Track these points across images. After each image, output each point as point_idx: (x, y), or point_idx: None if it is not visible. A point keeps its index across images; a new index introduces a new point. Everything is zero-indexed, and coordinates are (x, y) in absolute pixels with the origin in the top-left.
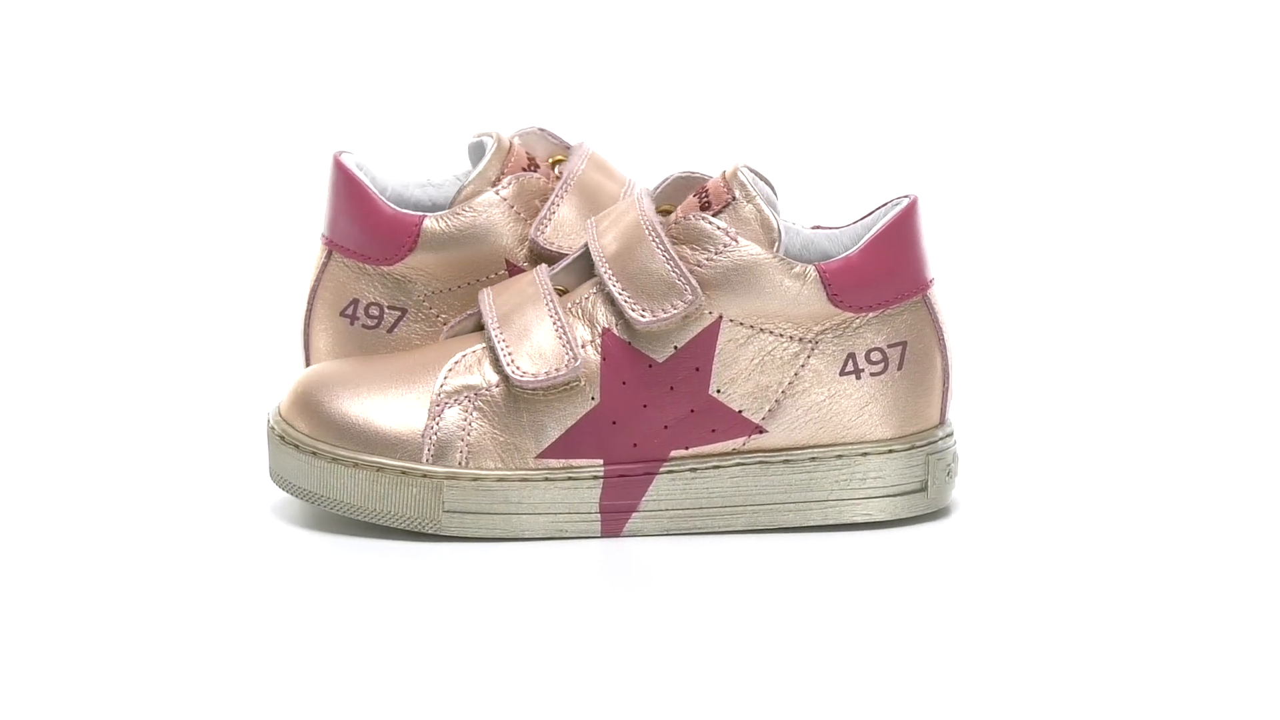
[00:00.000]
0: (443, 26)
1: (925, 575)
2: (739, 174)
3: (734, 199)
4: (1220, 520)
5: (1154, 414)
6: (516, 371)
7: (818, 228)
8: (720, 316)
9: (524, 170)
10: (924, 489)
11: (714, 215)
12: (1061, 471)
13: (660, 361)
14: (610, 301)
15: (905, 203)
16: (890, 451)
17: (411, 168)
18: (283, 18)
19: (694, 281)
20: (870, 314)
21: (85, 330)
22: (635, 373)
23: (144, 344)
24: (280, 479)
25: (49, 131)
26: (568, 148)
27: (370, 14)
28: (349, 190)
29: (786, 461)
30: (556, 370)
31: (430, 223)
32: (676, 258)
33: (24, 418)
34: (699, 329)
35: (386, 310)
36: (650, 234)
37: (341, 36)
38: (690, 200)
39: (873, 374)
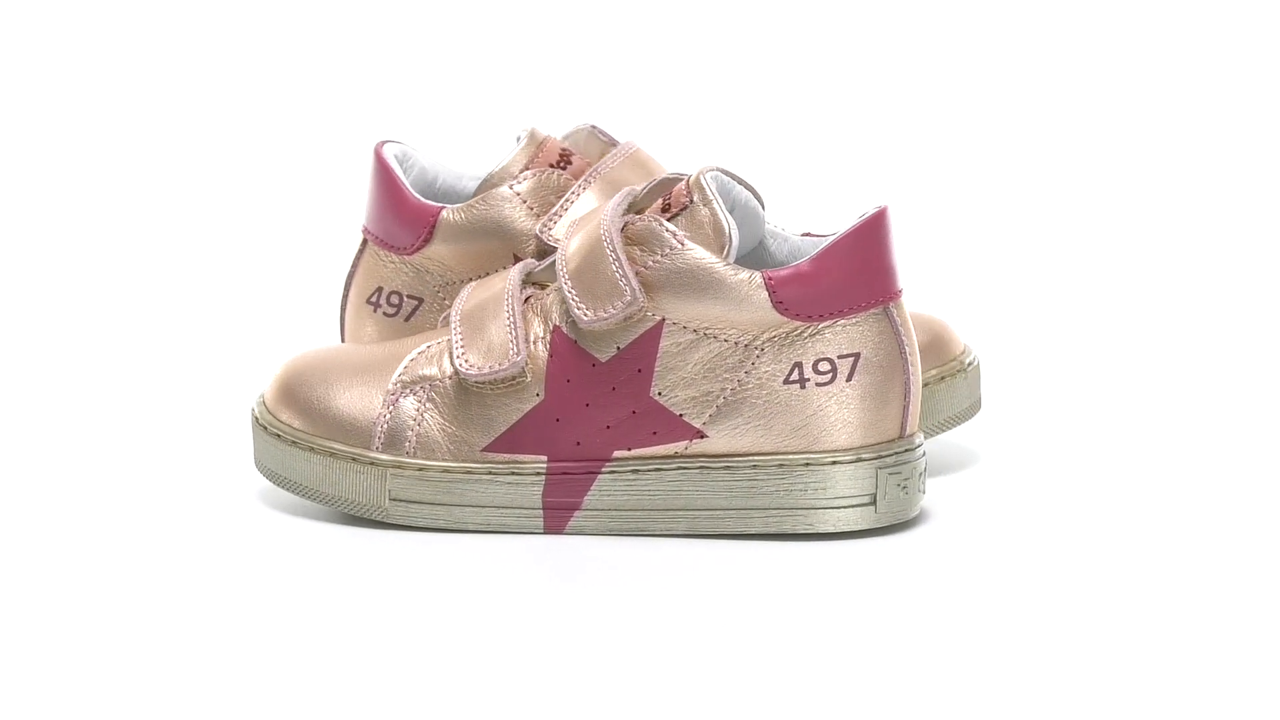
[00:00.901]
0: (528, 21)
1: (866, 585)
2: (702, 178)
3: (691, 202)
4: (1208, 528)
5: (1144, 422)
6: (464, 364)
7: (808, 234)
8: (663, 319)
9: (550, 166)
10: (873, 502)
11: (671, 218)
12: (1028, 483)
13: (603, 361)
14: (563, 300)
15: (869, 214)
16: (835, 463)
17: (478, 161)
18: (366, 13)
19: (635, 283)
20: (822, 324)
21: (121, 314)
22: (579, 371)
23: (189, 330)
24: (257, 462)
25: (74, 119)
26: (614, 145)
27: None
28: (380, 179)
29: (728, 468)
30: (500, 365)
31: (446, 214)
32: (623, 259)
33: (36, 418)
34: (641, 330)
35: (405, 299)
36: (604, 234)
37: (419, 29)
38: (657, 203)
39: (819, 384)
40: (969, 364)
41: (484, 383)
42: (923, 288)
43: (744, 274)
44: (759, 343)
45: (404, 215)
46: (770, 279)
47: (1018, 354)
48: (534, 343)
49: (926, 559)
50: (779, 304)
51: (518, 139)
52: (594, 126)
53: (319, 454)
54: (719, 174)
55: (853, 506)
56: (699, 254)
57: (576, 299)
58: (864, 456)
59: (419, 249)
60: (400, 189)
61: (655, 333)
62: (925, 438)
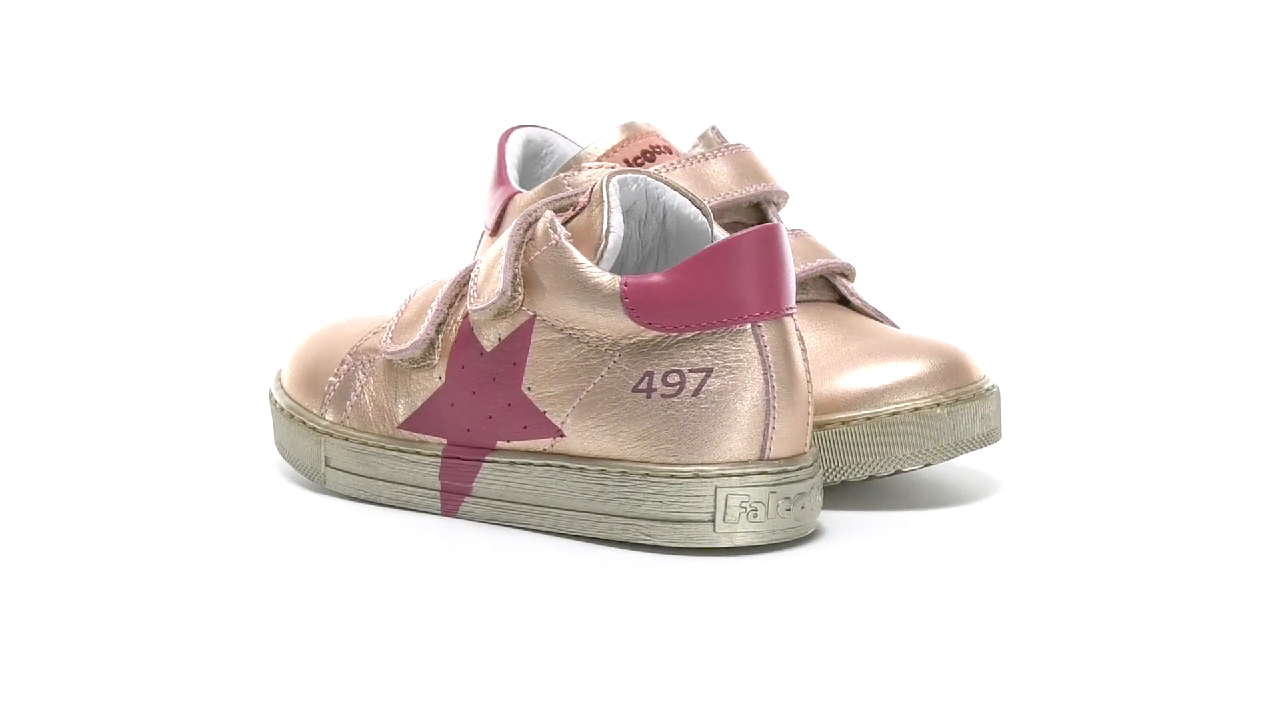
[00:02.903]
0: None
1: (708, 602)
2: (606, 181)
3: (588, 202)
4: (1228, 574)
5: (1167, 461)
6: (385, 342)
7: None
8: (535, 315)
9: (626, 161)
10: (711, 521)
11: (569, 220)
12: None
13: (488, 351)
14: None
15: (742, 232)
16: (673, 477)
17: None
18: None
19: (508, 276)
20: (682, 336)
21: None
22: (470, 359)
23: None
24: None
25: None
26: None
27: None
28: (496, 162)
29: (581, 470)
30: (403, 346)
31: (519, 197)
32: (509, 251)
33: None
34: (518, 324)
35: None
36: (516, 225)
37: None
38: (570, 200)
39: (664, 395)
40: (986, 390)
41: (399, 361)
42: (963, 319)
43: (606, 278)
44: (618, 348)
45: (492, 197)
46: (625, 285)
47: (1049, 387)
48: (453, 326)
49: (869, 580)
50: (631, 311)
51: (620, 128)
52: (713, 128)
53: (283, 414)
54: (641, 180)
55: (690, 523)
56: (569, 253)
57: (473, 287)
58: (704, 474)
59: (496, 230)
60: (500, 172)
61: (528, 328)
62: (935, 461)
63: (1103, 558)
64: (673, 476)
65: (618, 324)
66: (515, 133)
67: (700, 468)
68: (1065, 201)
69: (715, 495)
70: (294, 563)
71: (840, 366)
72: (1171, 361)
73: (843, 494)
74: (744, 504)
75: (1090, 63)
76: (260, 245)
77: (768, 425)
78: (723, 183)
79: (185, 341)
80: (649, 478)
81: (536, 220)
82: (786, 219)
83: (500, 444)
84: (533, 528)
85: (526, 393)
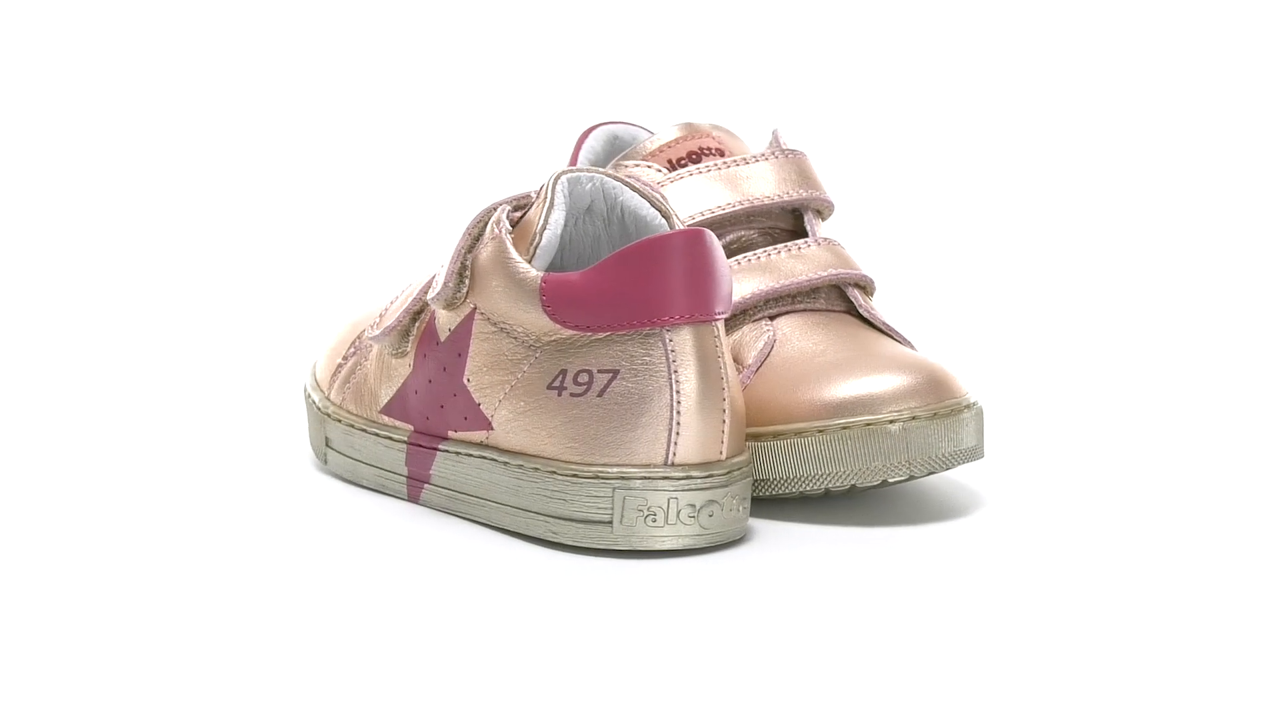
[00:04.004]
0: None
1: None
2: (555, 178)
3: (533, 200)
4: (1212, 600)
5: (1154, 485)
6: (369, 328)
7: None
8: (475, 308)
9: (670, 161)
10: (610, 523)
11: (522, 216)
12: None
13: (442, 341)
14: None
15: (664, 234)
16: (575, 476)
17: None
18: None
19: (453, 268)
20: (596, 335)
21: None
22: (430, 348)
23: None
24: None
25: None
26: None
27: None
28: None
29: (504, 464)
30: (380, 331)
31: None
32: (462, 244)
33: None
34: (462, 316)
35: None
36: (474, 218)
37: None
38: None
39: (573, 395)
40: (965, 406)
41: (380, 347)
42: (973, 338)
43: (531, 274)
44: (541, 345)
45: None
46: (544, 283)
47: (1036, 406)
48: (428, 315)
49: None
50: (548, 308)
51: (678, 126)
52: (774, 132)
53: (305, 397)
54: (598, 179)
55: (591, 523)
56: (504, 248)
57: (438, 277)
58: (604, 476)
59: None
60: (572, 164)
61: (469, 320)
62: (915, 475)
63: (1078, 575)
64: (575, 476)
65: (538, 321)
66: (598, 129)
67: (601, 469)
68: (1074, 222)
69: (613, 497)
70: (263, 540)
71: (821, 375)
72: (1163, 385)
73: (820, 506)
74: (640, 508)
75: (1080, 93)
76: (315, 236)
77: (671, 431)
78: (757, 187)
79: (236, 329)
80: (555, 475)
81: (491, 215)
82: (830, 228)
83: (451, 434)
84: (475, 519)
85: (467, 384)
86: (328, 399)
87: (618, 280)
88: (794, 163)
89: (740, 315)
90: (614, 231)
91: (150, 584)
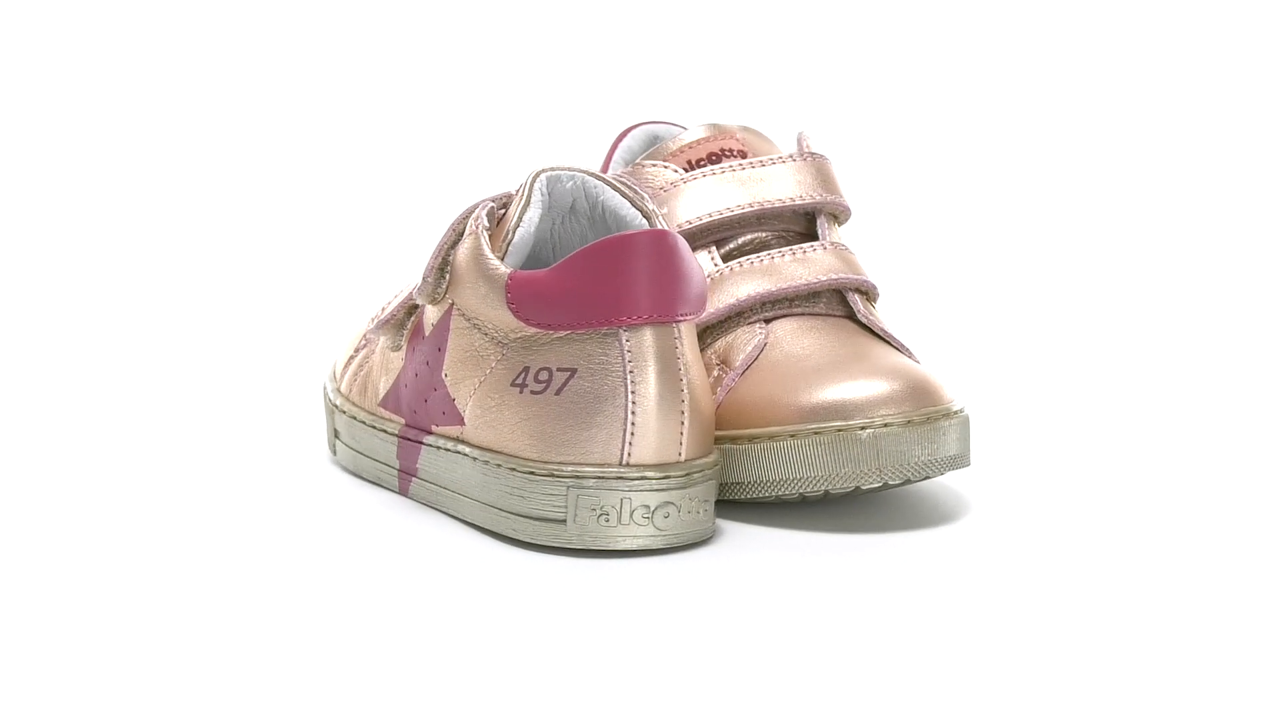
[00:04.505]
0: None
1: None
2: (534, 176)
3: (511, 198)
4: (1200, 608)
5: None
6: (370, 323)
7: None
8: (452, 305)
9: (689, 162)
10: (564, 521)
11: (506, 214)
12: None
13: (426, 336)
14: None
15: (626, 233)
16: (531, 474)
17: None
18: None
19: (433, 263)
20: (557, 333)
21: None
22: (418, 343)
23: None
24: None
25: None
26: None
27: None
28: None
29: (474, 460)
30: (375, 325)
31: None
32: (445, 239)
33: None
34: (442, 312)
35: None
36: (458, 215)
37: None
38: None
39: (533, 392)
40: (945, 415)
41: (378, 340)
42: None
43: (500, 270)
44: (509, 342)
45: None
46: (510, 279)
47: (1043, 418)
48: (421, 312)
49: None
50: (511, 305)
51: (705, 126)
52: (800, 133)
53: (323, 393)
54: (579, 178)
55: (546, 521)
56: (478, 244)
57: (424, 273)
58: (558, 474)
59: None
60: (604, 165)
61: (448, 316)
62: (898, 483)
63: (1046, 583)
64: (532, 474)
65: (504, 317)
66: (637, 129)
67: (556, 467)
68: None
69: (567, 495)
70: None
71: (802, 379)
72: (1183, 398)
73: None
74: (594, 507)
75: (1098, 114)
76: (346, 238)
77: (626, 431)
78: (770, 189)
79: (266, 326)
80: (515, 472)
81: (474, 211)
82: (850, 233)
83: (434, 428)
84: (453, 514)
85: (445, 379)
86: (339, 391)
87: (580, 278)
88: (813, 166)
89: (735, 317)
90: (598, 231)
91: (145, 560)
